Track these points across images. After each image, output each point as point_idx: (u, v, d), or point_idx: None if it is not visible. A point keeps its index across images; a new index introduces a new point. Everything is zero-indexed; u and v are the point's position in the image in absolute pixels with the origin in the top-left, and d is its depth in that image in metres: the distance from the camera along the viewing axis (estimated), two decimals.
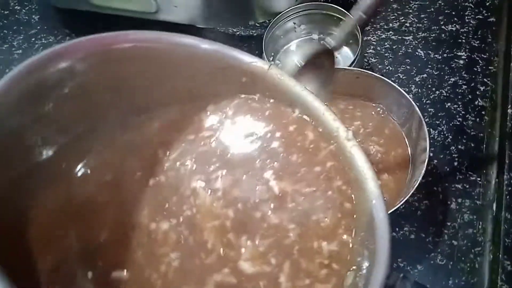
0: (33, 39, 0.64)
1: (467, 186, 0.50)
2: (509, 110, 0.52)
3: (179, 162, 0.35)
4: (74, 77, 0.31)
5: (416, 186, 0.43)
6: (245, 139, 0.35)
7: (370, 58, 0.58)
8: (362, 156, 0.31)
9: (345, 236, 0.31)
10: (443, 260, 0.47)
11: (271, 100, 0.35)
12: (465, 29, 0.59)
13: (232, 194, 0.34)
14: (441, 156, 0.52)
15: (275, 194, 0.33)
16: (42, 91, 0.30)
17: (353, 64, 0.50)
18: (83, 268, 0.31)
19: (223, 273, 0.31)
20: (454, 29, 0.59)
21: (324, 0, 0.61)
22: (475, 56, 0.57)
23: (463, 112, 0.54)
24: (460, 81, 0.56)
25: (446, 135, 0.53)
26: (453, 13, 0.60)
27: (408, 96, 0.46)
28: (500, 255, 0.46)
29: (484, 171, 0.51)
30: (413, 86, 0.56)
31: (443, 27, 0.59)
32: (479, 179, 0.50)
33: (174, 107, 0.36)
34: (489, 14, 0.60)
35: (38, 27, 0.65)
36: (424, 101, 0.55)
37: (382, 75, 0.49)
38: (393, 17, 0.61)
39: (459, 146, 0.52)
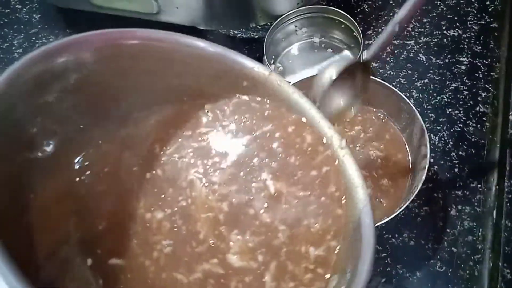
0: (34, 38, 0.64)
1: (468, 193, 0.50)
2: (510, 117, 0.52)
3: (176, 156, 0.36)
4: (80, 70, 0.32)
5: (416, 192, 0.42)
6: (244, 137, 0.36)
7: (371, 63, 0.58)
8: (353, 165, 0.31)
9: (332, 243, 0.32)
10: (443, 267, 0.47)
11: (271, 102, 0.36)
12: (467, 35, 0.59)
13: (228, 188, 0.35)
14: (442, 162, 0.52)
15: (271, 193, 0.34)
16: (48, 81, 0.31)
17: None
18: (83, 255, 0.32)
19: (211, 263, 0.32)
20: (456, 34, 0.59)
21: (325, 3, 0.61)
22: (477, 61, 0.57)
23: (464, 118, 0.54)
24: (462, 86, 0.56)
25: (447, 141, 0.53)
26: (455, 18, 0.60)
27: (409, 101, 0.46)
28: (500, 263, 0.45)
29: (485, 178, 0.50)
30: (414, 91, 0.56)
31: (445, 32, 0.59)
32: (479, 185, 0.50)
33: (173, 104, 0.36)
34: (491, 19, 0.59)
35: (39, 26, 0.65)
36: (425, 107, 0.55)
37: (383, 80, 0.49)
38: None
39: (460, 152, 0.52)
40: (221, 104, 0.36)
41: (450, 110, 0.54)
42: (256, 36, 0.61)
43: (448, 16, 0.60)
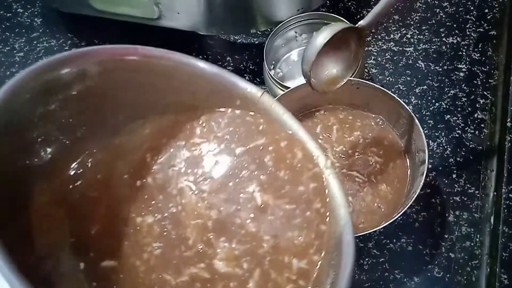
0: (35, 42, 0.64)
1: (466, 199, 0.50)
2: (508, 124, 0.52)
3: (167, 165, 0.37)
4: (83, 81, 0.33)
5: (414, 197, 0.43)
6: (236, 149, 0.37)
7: (371, 69, 0.58)
8: (337, 184, 0.33)
9: (315, 257, 0.33)
10: (440, 273, 0.47)
11: (264, 117, 0.37)
12: (465, 42, 0.59)
13: (217, 197, 0.36)
14: (440, 168, 0.52)
15: (257, 204, 0.36)
16: (52, 90, 0.32)
17: (354, 75, 0.51)
18: (75, 260, 0.33)
19: (198, 267, 0.34)
20: (455, 41, 0.59)
21: (325, 10, 0.61)
22: (475, 69, 0.57)
23: (462, 125, 0.54)
24: (460, 93, 0.56)
25: (445, 147, 0.53)
26: (454, 25, 0.61)
27: (408, 108, 0.46)
28: (498, 269, 0.46)
29: (483, 184, 0.51)
30: (413, 97, 0.56)
31: (444, 39, 0.60)
32: (477, 192, 0.50)
33: (168, 116, 0.38)
34: (490, 27, 0.60)
35: (40, 30, 0.65)
36: (424, 113, 0.55)
37: (382, 86, 0.49)
38: (394, 28, 0.61)
39: (458, 159, 0.52)
40: (216, 116, 0.38)
41: (448, 116, 0.55)
42: (256, 42, 0.62)
43: (447, 24, 0.61)
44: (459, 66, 0.58)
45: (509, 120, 0.53)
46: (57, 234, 0.33)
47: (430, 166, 0.51)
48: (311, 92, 0.42)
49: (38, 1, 0.67)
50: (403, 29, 0.61)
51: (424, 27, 0.61)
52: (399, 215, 0.43)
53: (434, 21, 0.61)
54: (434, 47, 0.59)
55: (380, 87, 0.48)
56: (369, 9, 0.62)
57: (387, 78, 0.58)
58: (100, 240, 0.34)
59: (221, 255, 0.34)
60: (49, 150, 0.34)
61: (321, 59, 0.39)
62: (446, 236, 0.48)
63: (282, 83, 0.53)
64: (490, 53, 0.58)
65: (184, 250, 0.35)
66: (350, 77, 0.44)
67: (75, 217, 0.35)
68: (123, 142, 0.37)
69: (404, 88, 0.57)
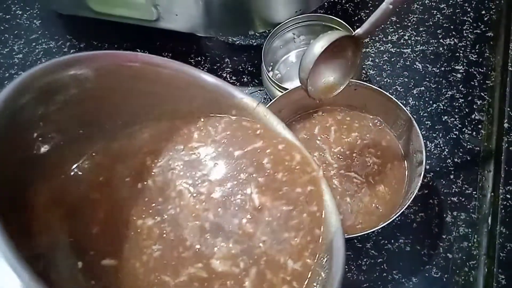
0: (34, 44, 0.64)
1: (463, 199, 0.50)
2: (505, 125, 0.53)
3: (166, 168, 0.38)
4: (84, 84, 0.34)
5: (412, 198, 0.43)
6: (234, 152, 0.38)
7: (369, 70, 0.59)
8: (328, 192, 0.35)
9: (309, 260, 0.34)
10: (438, 273, 0.47)
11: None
12: (463, 43, 0.59)
13: (214, 199, 0.37)
14: (438, 169, 0.52)
15: (255, 206, 0.36)
16: (54, 91, 0.33)
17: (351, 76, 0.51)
18: (73, 258, 0.34)
19: (196, 267, 0.35)
20: (452, 43, 0.60)
21: (323, 12, 0.62)
22: (472, 70, 0.58)
23: (459, 126, 0.54)
24: (457, 94, 0.56)
25: (443, 148, 0.53)
26: (452, 27, 0.61)
27: (405, 109, 0.46)
28: (495, 269, 0.46)
29: (480, 185, 0.51)
30: (411, 98, 0.56)
31: (441, 40, 0.60)
32: (474, 192, 0.51)
33: (166, 121, 0.39)
34: (487, 28, 0.60)
35: (39, 32, 0.65)
36: (421, 114, 0.55)
37: (380, 87, 0.49)
38: (392, 29, 0.61)
39: (456, 159, 0.53)
40: (213, 121, 0.39)
41: (446, 117, 0.55)
42: (255, 43, 0.62)
43: (444, 25, 0.61)
44: (457, 67, 0.58)
45: (506, 121, 0.53)
46: (55, 233, 0.34)
47: (427, 167, 0.51)
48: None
49: (37, 3, 0.67)
50: (401, 30, 0.61)
51: (421, 29, 0.61)
52: (397, 215, 0.43)
53: (431, 23, 0.61)
54: (432, 48, 0.59)
55: (378, 88, 0.48)
56: (367, 11, 0.63)
57: (385, 80, 0.58)
58: (101, 240, 0.35)
59: (218, 254, 0.35)
60: (49, 150, 0.34)
61: (318, 67, 0.40)
62: (444, 236, 0.49)
63: (280, 84, 0.53)
64: (487, 54, 0.58)
65: (182, 251, 0.35)
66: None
67: (75, 217, 0.35)
68: (122, 146, 0.38)
69: (401, 89, 0.57)
